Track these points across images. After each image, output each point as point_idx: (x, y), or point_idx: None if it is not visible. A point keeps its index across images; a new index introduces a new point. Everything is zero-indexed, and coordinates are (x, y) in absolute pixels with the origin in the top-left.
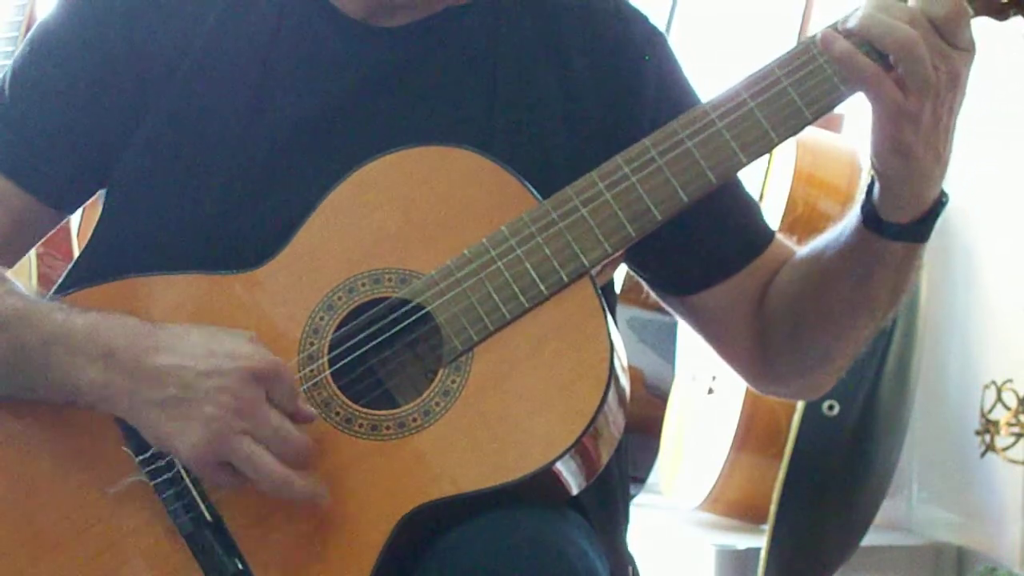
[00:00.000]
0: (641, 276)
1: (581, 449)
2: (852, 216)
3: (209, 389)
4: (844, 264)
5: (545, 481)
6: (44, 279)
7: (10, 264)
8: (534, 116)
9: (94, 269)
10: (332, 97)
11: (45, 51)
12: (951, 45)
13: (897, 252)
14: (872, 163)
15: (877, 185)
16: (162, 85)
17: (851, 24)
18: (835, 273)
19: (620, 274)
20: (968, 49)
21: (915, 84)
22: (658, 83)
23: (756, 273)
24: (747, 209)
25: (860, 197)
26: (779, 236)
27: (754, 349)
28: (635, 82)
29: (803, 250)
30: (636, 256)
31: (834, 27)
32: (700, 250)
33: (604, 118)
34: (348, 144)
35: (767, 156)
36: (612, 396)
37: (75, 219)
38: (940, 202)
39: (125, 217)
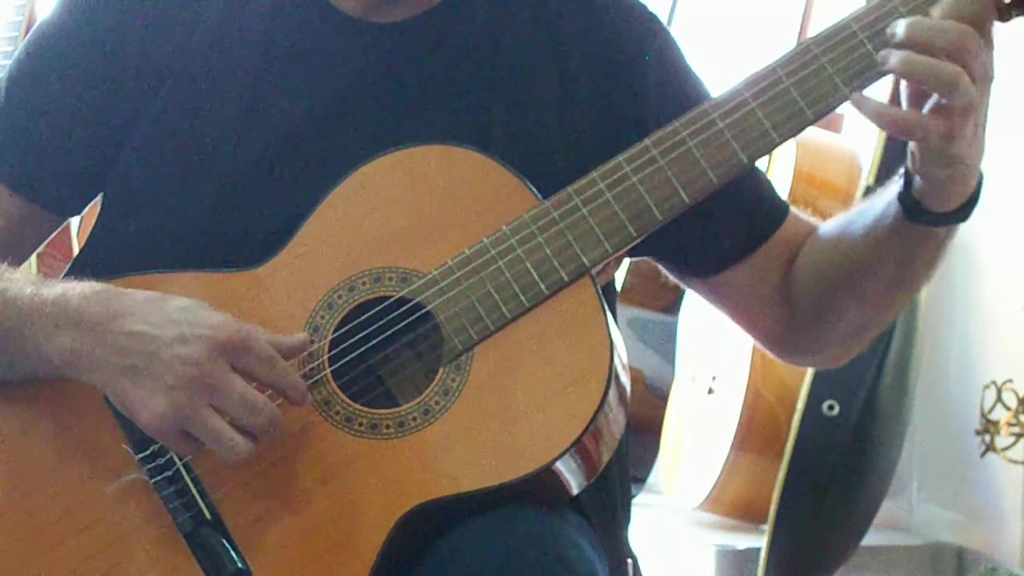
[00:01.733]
0: (659, 261)
1: (581, 449)
2: (888, 205)
3: (173, 358)
4: (884, 250)
5: (545, 480)
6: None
7: (14, 267)
8: (533, 110)
9: (92, 269)
10: (330, 94)
11: (42, 56)
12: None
13: (940, 234)
14: (916, 169)
15: (921, 183)
16: (159, 85)
17: (892, 64)
18: (874, 257)
19: (620, 274)
20: (992, 43)
21: (961, 109)
22: (660, 74)
23: (775, 248)
24: (760, 185)
25: (895, 188)
26: (794, 209)
27: (779, 322)
28: (636, 75)
29: (829, 228)
30: (653, 242)
31: (839, 32)
32: (718, 231)
33: (604, 112)
34: (346, 142)
35: (767, 155)
36: (612, 396)
37: (75, 219)
38: (978, 180)
39: (123, 217)
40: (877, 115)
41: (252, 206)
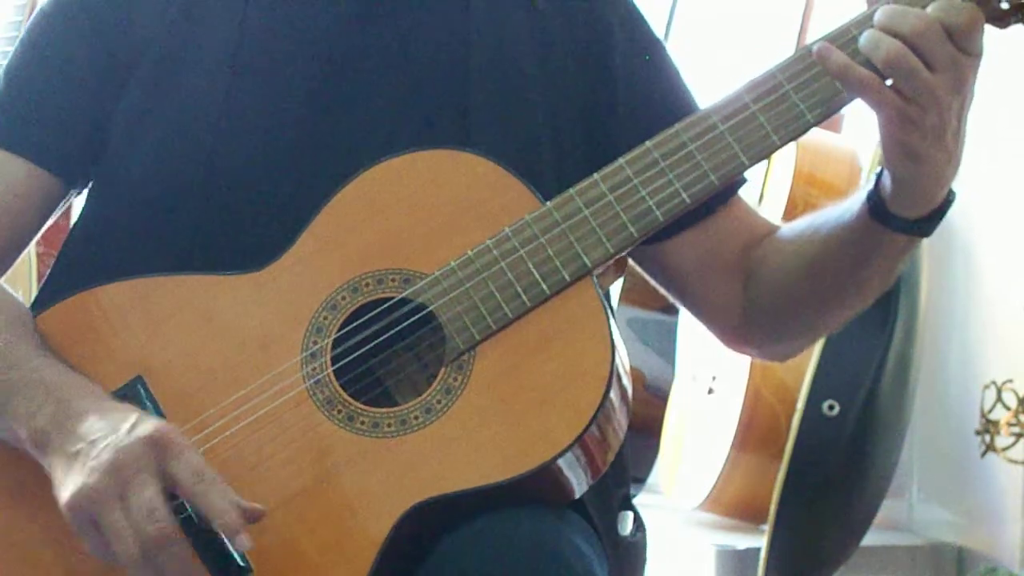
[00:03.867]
0: None
1: (583, 447)
2: (856, 202)
3: (106, 447)
4: (844, 247)
5: (547, 480)
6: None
7: (21, 244)
8: (509, 59)
9: (86, 250)
10: (309, 55)
11: (37, 35)
12: (963, 52)
13: (899, 243)
14: (883, 162)
15: (888, 180)
16: (144, 51)
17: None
18: (833, 254)
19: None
20: (979, 55)
21: (913, 94)
22: (622, 25)
23: (728, 222)
24: None
25: (868, 186)
26: (746, 201)
27: (732, 312)
28: (605, 34)
29: (798, 224)
30: None
31: (839, 37)
32: None
33: (576, 60)
34: (330, 95)
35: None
36: (614, 395)
37: (75, 220)
38: (948, 199)
39: (112, 191)
40: (841, 69)
41: (239, 175)
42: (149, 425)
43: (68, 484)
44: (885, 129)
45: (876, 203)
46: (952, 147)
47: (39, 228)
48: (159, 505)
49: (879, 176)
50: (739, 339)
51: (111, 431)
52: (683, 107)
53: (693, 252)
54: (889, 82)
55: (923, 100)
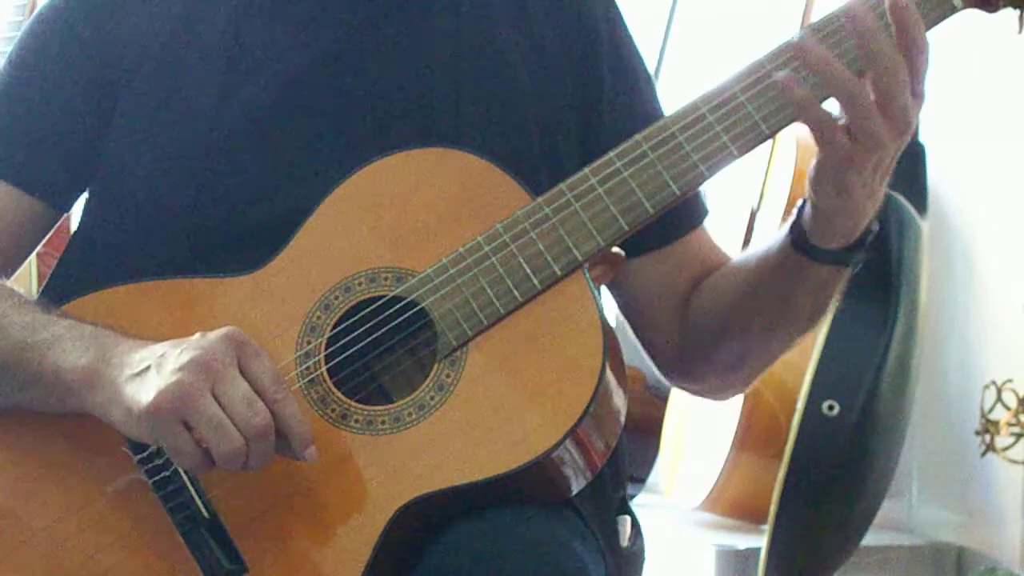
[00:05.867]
0: None
1: (577, 442)
2: (781, 233)
3: (183, 353)
4: (769, 280)
5: (541, 475)
6: (44, 279)
7: (13, 268)
8: (499, 59)
9: (83, 262)
10: (301, 61)
11: (24, 57)
12: (916, 96)
13: (821, 275)
14: (808, 192)
15: (809, 211)
16: (135, 69)
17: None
18: (759, 287)
19: None
20: (923, 97)
21: (862, 136)
22: (608, 29)
23: (688, 254)
24: None
25: (791, 217)
26: (708, 233)
27: (673, 342)
28: (590, 25)
29: (736, 258)
30: None
31: (828, 25)
32: None
33: (565, 60)
34: (323, 107)
35: (767, 156)
36: (606, 387)
37: (76, 221)
38: (869, 230)
39: (108, 206)
40: (800, 102)
41: (235, 186)
42: (222, 329)
43: (147, 389)
44: (824, 163)
45: (798, 235)
46: (878, 184)
47: (31, 250)
48: (255, 397)
49: (801, 208)
50: (679, 373)
51: (177, 345)
52: (657, 115)
53: (654, 279)
54: (841, 120)
55: (870, 143)
